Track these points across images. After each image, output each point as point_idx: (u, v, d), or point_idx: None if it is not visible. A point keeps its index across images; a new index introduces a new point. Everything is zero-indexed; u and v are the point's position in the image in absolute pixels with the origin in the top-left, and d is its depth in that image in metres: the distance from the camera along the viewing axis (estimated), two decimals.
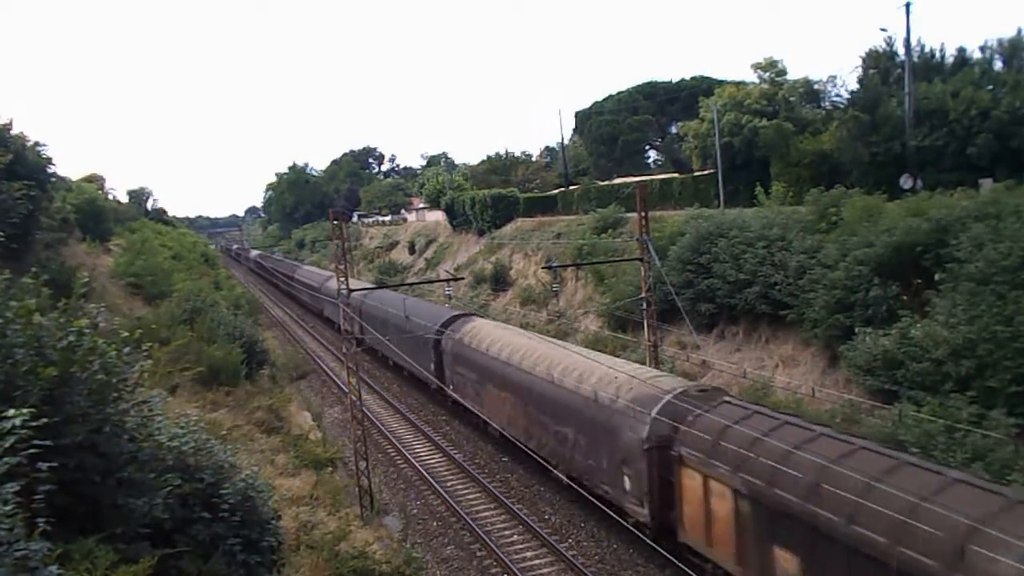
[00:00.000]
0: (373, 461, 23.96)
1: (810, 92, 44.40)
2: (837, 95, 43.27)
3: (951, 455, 16.87)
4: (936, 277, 21.62)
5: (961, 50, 38.24)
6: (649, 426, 17.27)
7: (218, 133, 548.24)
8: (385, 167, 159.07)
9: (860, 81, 38.05)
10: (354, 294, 42.45)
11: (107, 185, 61.40)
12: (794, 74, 50.64)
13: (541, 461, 21.09)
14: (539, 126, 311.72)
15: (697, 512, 15.70)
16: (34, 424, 6.60)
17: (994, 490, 11.04)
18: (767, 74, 46.61)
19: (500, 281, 52.33)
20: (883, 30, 40.09)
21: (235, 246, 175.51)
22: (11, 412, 6.60)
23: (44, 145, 25.35)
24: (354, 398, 22.33)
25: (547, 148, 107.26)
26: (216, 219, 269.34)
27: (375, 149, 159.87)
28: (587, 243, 41.44)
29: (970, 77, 32.52)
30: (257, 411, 24.89)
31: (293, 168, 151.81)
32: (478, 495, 23.40)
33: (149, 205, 79.41)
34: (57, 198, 32.52)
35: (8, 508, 5.78)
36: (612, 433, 18.68)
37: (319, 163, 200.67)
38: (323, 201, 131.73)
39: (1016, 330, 18.26)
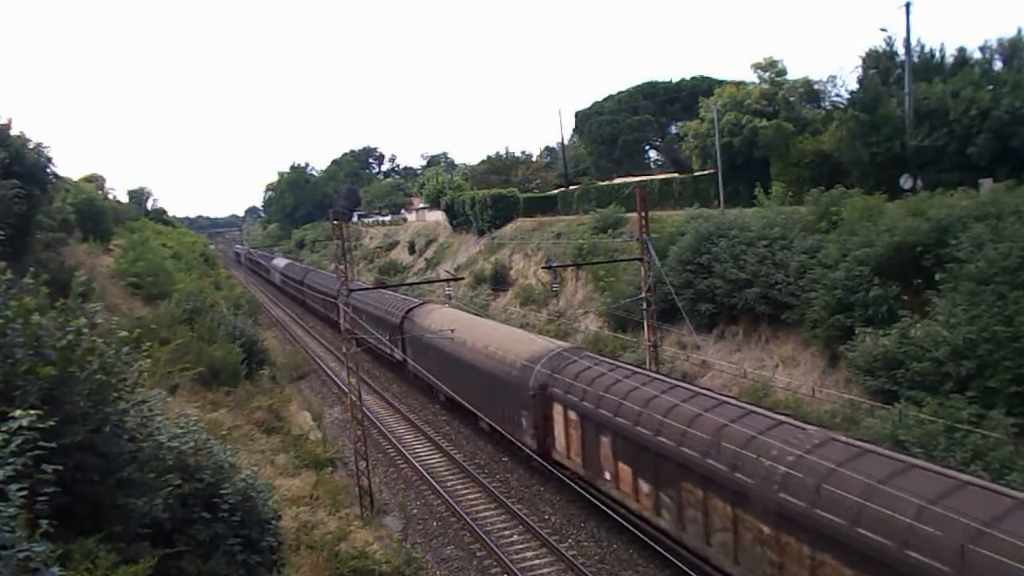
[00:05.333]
0: (373, 461, 23.96)
1: (810, 92, 44.40)
2: (837, 95, 43.30)
3: (951, 455, 16.88)
4: (936, 277, 21.61)
5: (961, 50, 38.22)
6: None
7: (218, 133, 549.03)
8: (385, 167, 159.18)
9: (860, 81, 38.04)
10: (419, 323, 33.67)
11: (107, 185, 61.60)
12: (794, 74, 50.74)
13: None
14: (539, 126, 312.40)
15: None
16: (40, 426, 6.60)
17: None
18: (767, 74, 46.65)
19: (500, 281, 52.35)
20: (883, 30, 40.15)
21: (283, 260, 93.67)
22: (18, 413, 6.60)
23: (47, 146, 25.31)
24: (354, 398, 22.33)
25: (547, 148, 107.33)
26: (216, 219, 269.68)
27: (375, 149, 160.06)
28: (587, 243, 41.45)
29: (970, 77, 32.49)
30: (257, 411, 24.91)
31: (293, 168, 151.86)
32: (478, 495, 23.40)
33: (149, 205, 79.61)
34: (57, 198, 32.51)
35: (12, 510, 5.77)
36: None
37: (319, 163, 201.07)
38: (323, 201, 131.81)
39: (1016, 330, 18.26)
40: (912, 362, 20.47)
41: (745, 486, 13.77)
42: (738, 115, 42.98)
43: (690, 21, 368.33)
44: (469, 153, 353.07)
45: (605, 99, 77.57)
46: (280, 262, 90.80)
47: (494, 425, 25.26)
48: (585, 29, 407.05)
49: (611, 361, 22.31)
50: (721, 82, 55.78)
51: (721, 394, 18.38)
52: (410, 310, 36.73)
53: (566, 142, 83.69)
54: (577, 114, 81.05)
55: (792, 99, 43.49)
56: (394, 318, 36.89)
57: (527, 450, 23.44)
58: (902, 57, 35.42)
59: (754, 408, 16.31)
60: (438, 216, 78.65)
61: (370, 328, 40.78)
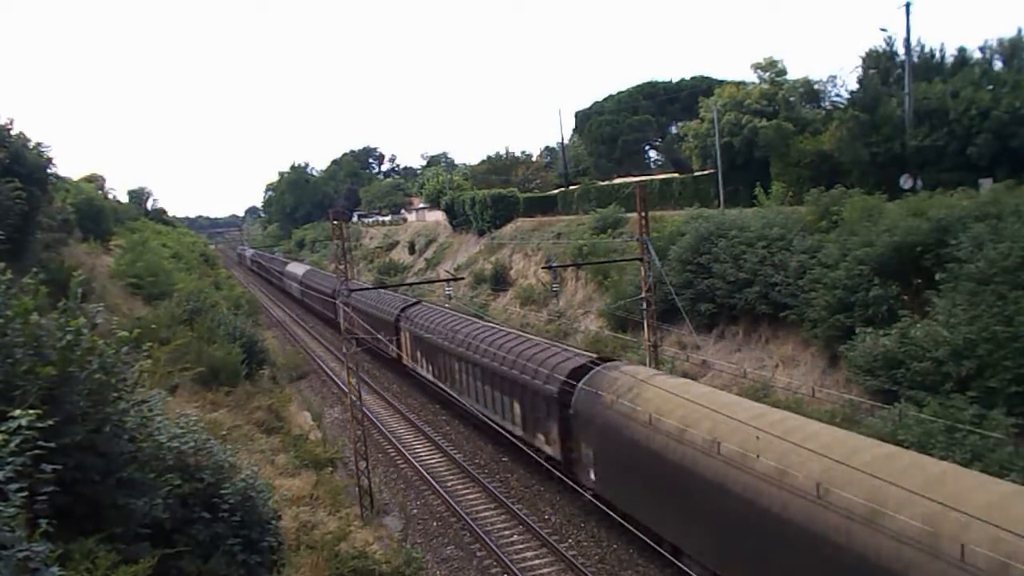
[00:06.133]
0: (373, 461, 23.95)
1: (810, 92, 44.42)
2: (837, 95, 43.34)
3: (950, 455, 16.87)
4: (936, 277, 21.62)
5: (961, 50, 38.26)
6: None
7: (218, 133, 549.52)
8: (385, 167, 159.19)
9: (860, 81, 38.05)
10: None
11: (107, 185, 61.72)
12: (794, 74, 50.85)
13: None
14: (539, 126, 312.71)
15: None
16: (40, 425, 6.60)
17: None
18: (767, 74, 46.69)
19: (500, 281, 52.35)
20: (883, 30, 40.14)
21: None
22: (17, 412, 6.60)
23: (47, 147, 25.29)
24: (354, 398, 22.32)
25: (547, 148, 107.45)
26: (216, 219, 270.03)
27: (375, 149, 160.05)
28: (587, 243, 41.45)
29: (970, 77, 32.50)
30: (257, 411, 24.89)
31: (293, 168, 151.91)
32: (478, 495, 23.39)
33: (149, 205, 79.73)
34: (57, 198, 32.51)
35: (12, 510, 5.77)
36: None
37: (319, 163, 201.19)
38: (323, 201, 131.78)
39: (1016, 330, 18.26)
40: (912, 362, 20.46)
41: None
42: (738, 115, 42.98)
43: (690, 21, 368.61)
44: (469, 153, 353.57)
45: (605, 99, 77.62)
46: (298, 268, 73.45)
47: None
48: (585, 29, 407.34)
49: None
50: (721, 82, 55.82)
51: None
52: (588, 373, 20.05)
53: (566, 142, 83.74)
54: (577, 114, 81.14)
55: (792, 99, 43.51)
56: (544, 381, 21.39)
57: None
58: (902, 57, 35.43)
59: None
60: (438, 216, 78.63)
61: (463, 377, 27.39)
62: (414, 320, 34.62)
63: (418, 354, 32.54)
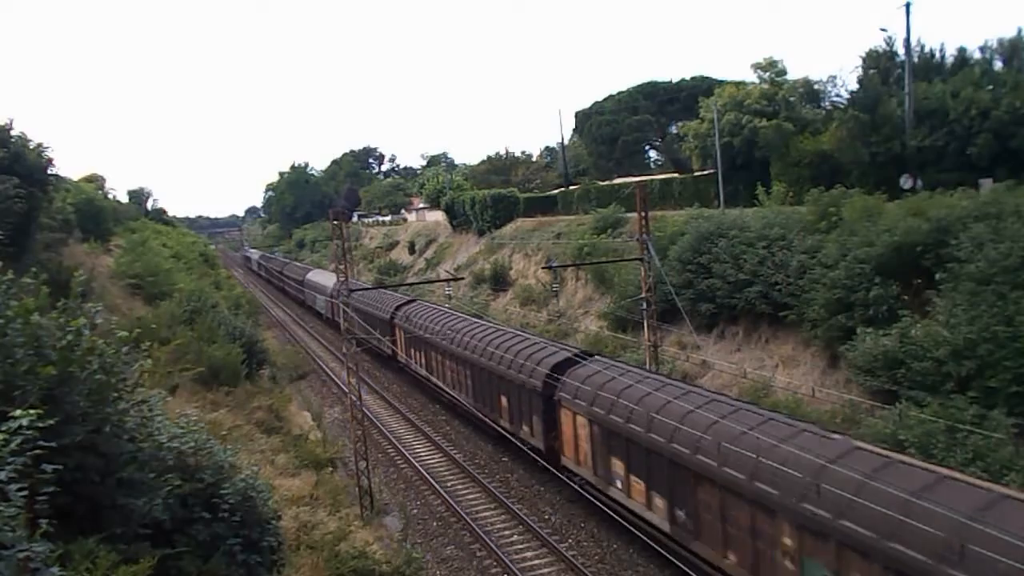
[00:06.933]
0: (373, 461, 23.95)
1: (810, 92, 44.40)
2: (837, 95, 43.32)
3: (951, 455, 16.87)
4: (936, 277, 21.61)
5: (961, 50, 38.32)
6: None
7: (218, 133, 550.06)
8: (385, 167, 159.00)
9: (860, 81, 38.07)
10: None
11: (107, 185, 61.58)
12: (794, 74, 50.82)
13: None
14: (539, 126, 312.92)
15: None
16: (40, 425, 6.60)
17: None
18: (767, 74, 46.66)
19: (500, 281, 52.34)
20: (883, 30, 40.19)
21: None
22: (18, 412, 6.59)
23: (48, 147, 25.21)
24: (354, 398, 22.33)
25: (547, 148, 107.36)
26: (216, 219, 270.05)
27: (375, 149, 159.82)
28: (587, 243, 41.44)
29: (970, 77, 32.51)
30: (257, 411, 24.88)
31: (293, 168, 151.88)
32: (478, 495, 23.40)
33: (149, 205, 79.59)
34: (57, 198, 32.44)
35: (12, 510, 5.77)
36: None
37: (319, 163, 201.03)
38: (323, 201, 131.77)
39: (1016, 330, 18.25)
40: (912, 362, 20.45)
41: None
42: (738, 115, 42.97)
43: (690, 21, 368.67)
44: (469, 153, 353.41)
45: (605, 99, 77.49)
46: (325, 278, 57.86)
47: None
48: (585, 29, 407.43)
49: None
50: (721, 82, 55.76)
51: None
52: None
53: (566, 142, 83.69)
54: (577, 114, 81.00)
55: (792, 99, 43.49)
56: None
57: None
58: (902, 57, 35.45)
59: None
60: (438, 216, 78.62)
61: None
62: (602, 397, 19.12)
63: (614, 463, 18.68)
